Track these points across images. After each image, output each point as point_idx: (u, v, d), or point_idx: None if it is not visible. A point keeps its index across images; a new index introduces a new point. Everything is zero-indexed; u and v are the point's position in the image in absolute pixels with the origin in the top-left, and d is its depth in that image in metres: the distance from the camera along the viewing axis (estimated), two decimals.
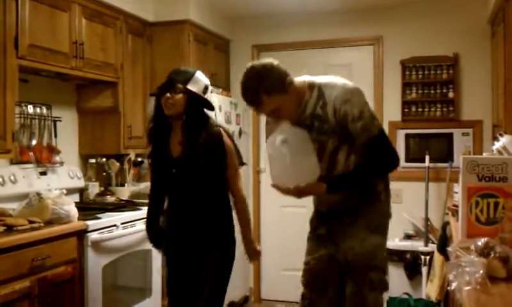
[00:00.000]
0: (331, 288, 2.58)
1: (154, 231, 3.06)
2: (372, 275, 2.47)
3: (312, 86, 2.45)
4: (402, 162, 4.70)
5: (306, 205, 5.44)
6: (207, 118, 2.88)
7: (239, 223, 2.95)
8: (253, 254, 3.00)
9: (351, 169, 2.46)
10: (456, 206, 3.08)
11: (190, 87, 2.80)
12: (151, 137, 2.97)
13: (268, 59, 2.44)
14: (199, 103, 2.84)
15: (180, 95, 2.78)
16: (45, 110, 3.81)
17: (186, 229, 2.87)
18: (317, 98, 2.42)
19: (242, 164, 2.98)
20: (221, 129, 2.89)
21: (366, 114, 2.38)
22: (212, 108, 2.90)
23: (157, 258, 3.96)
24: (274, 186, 2.46)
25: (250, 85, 2.38)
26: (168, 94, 2.77)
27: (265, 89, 2.34)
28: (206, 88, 2.88)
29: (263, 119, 5.33)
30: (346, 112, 2.35)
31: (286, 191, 2.44)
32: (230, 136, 2.93)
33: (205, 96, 2.88)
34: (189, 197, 2.85)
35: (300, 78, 2.49)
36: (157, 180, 3.01)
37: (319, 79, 2.47)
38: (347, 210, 2.53)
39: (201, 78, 2.87)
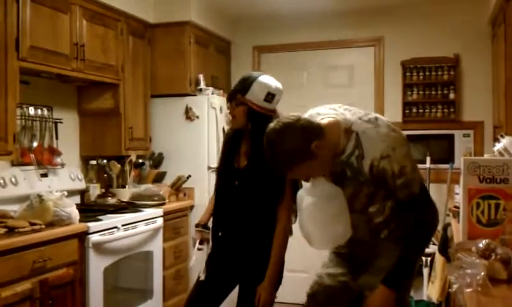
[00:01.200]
0: None
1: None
2: None
3: (348, 131, 2.13)
4: None
5: None
6: None
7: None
8: (263, 295, 2.60)
9: (386, 214, 2.22)
10: (457, 207, 3.08)
11: (249, 97, 2.58)
12: (223, 147, 2.84)
13: (289, 120, 2.09)
14: (258, 115, 2.60)
15: (240, 107, 2.61)
16: (46, 112, 3.81)
17: (236, 240, 2.70)
18: (353, 148, 2.11)
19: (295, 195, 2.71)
20: None
21: (407, 170, 2.08)
22: (270, 117, 2.53)
23: (158, 259, 3.96)
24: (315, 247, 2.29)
25: (271, 158, 2.11)
26: (228, 105, 2.65)
27: (286, 163, 2.09)
28: (269, 95, 2.60)
29: None
30: (384, 169, 2.07)
31: None
32: None
33: (269, 104, 2.61)
34: (245, 210, 2.65)
35: (332, 121, 2.15)
36: (221, 191, 2.80)
37: (356, 124, 2.13)
38: (372, 244, 2.31)
39: (263, 84, 2.60)
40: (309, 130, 2.06)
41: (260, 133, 2.35)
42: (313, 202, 2.16)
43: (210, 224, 2.90)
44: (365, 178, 2.11)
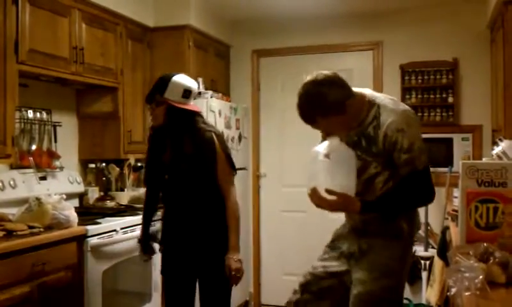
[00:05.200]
0: (326, 301, 2.50)
1: (146, 240, 3.09)
2: None
3: (371, 103, 2.32)
4: None
5: (306, 210, 5.44)
6: (194, 123, 2.80)
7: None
8: (232, 268, 2.73)
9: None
10: (456, 211, 3.07)
11: (167, 95, 2.74)
12: (149, 145, 3.00)
13: (330, 74, 2.27)
14: (178, 111, 2.77)
15: (160, 107, 2.77)
16: (45, 115, 3.81)
17: (181, 236, 2.86)
18: (372, 118, 2.30)
19: (233, 170, 2.85)
20: (213, 134, 2.81)
21: (415, 148, 2.25)
22: (192, 114, 2.81)
23: (156, 262, 3.95)
24: (310, 195, 2.32)
25: (306, 103, 2.25)
26: (148, 106, 2.80)
27: (322, 111, 2.24)
28: (186, 91, 2.78)
29: (262, 125, 5.36)
30: (396, 140, 2.24)
31: (319, 201, 2.29)
32: (223, 141, 2.86)
33: (187, 100, 2.78)
34: (181, 203, 2.83)
35: (360, 91, 2.36)
36: (151, 187, 3.04)
37: (380, 98, 2.34)
38: (366, 234, 2.43)
39: (179, 83, 2.77)
40: (347, 88, 2.28)
41: (180, 127, 2.74)
42: (327, 155, 2.29)
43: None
44: (378, 149, 2.28)
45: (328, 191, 2.24)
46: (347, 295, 2.41)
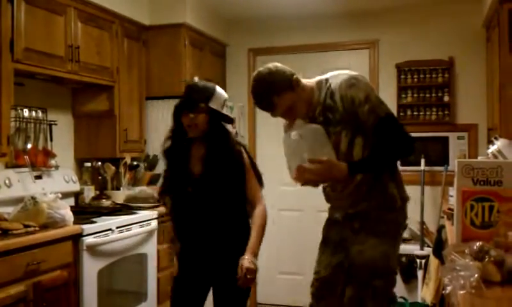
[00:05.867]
0: (333, 296, 2.56)
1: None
2: (376, 282, 2.41)
3: (319, 82, 2.49)
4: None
5: (303, 209, 5.45)
6: (228, 134, 2.79)
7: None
8: (244, 266, 2.64)
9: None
10: (451, 209, 3.08)
11: (212, 105, 2.69)
12: (168, 154, 2.85)
13: (271, 63, 2.51)
14: (220, 119, 2.75)
15: (203, 115, 2.67)
16: (40, 114, 3.80)
17: (201, 249, 2.75)
18: (326, 91, 2.44)
19: (261, 184, 2.85)
20: (242, 148, 2.79)
21: (372, 98, 2.38)
22: (231, 121, 2.82)
23: (152, 261, 3.95)
24: (295, 179, 2.39)
25: (260, 90, 2.46)
26: (192, 115, 2.66)
27: (274, 90, 2.41)
28: (225, 102, 2.81)
29: (258, 123, 5.36)
30: (352, 97, 2.36)
31: (307, 175, 2.33)
32: (249, 155, 2.83)
33: (224, 110, 2.79)
34: (206, 216, 2.71)
35: (308, 80, 2.54)
36: (176, 199, 2.84)
37: (326, 75, 2.52)
38: (358, 216, 2.49)
39: (221, 94, 2.77)
40: (289, 69, 2.50)
41: (217, 139, 2.70)
42: (299, 135, 2.40)
43: None
44: (340, 114, 2.39)
45: (311, 160, 2.31)
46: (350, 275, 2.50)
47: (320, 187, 2.62)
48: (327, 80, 2.47)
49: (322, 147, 2.36)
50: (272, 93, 2.41)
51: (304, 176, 2.35)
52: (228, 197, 2.71)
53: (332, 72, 2.52)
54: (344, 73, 2.44)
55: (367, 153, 2.42)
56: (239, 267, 2.63)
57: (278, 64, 2.49)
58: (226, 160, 2.69)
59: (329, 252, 2.61)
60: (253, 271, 2.63)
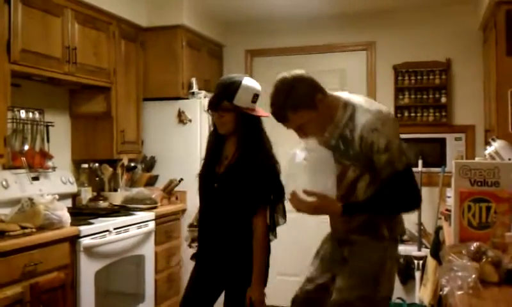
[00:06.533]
0: None
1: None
2: None
3: (346, 104, 2.28)
4: None
5: None
6: (261, 140, 2.63)
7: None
8: (254, 297, 2.59)
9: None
10: (449, 210, 3.08)
11: (237, 102, 2.55)
12: (206, 148, 2.79)
13: (299, 72, 2.29)
14: (250, 118, 2.60)
15: (228, 113, 2.57)
16: (37, 115, 3.80)
17: (214, 247, 2.69)
18: (348, 120, 2.25)
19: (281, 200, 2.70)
20: (275, 165, 2.63)
21: (393, 147, 2.17)
22: (258, 119, 2.64)
23: (149, 263, 3.95)
24: (289, 200, 2.28)
25: (277, 99, 2.25)
26: (215, 113, 2.60)
27: (291, 105, 2.21)
28: (255, 96, 2.62)
29: None
30: (372, 142, 2.17)
31: (299, 204, 2.24)
32: (279, 175, 2.66)
33: (255, 105, 2.62)
34: (222, 216, 2.64)
35: (336, 94, 2.34)
36: (203, 195, 2.76)
37: (356, 99, 2.30)
38: (348, 243, 2.39)
39: (248, 88, 2.59)
40: (316, 83, 2.27)
41: (249, 134, 2.53)
42: (305, 158, 2.25)
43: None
44: (355, 151, 2.22)
45: (307, 192, 2.20)
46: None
47: None
48: (354, 107, 2.25)
49: (324, 178, 2.24)
50: (288, 107, 2.22)
51: (296, 204, 2.25)
52: (240, 204, 2.59)
53: (362, 100, 2.30)
54: (372, 111, 2.22)
55: (369, 192, 2.27)
56: (247, 300, 2.58)
57: (305, 75, 2.27)
58: (255, 164, 2.56)
59: (318, 267, 2.52)
60: (261, 303, 2.60)
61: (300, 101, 2.22)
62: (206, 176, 2.72)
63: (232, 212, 2.61)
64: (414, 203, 2.29)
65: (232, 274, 2.66)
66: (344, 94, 2.34)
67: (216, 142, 2.72)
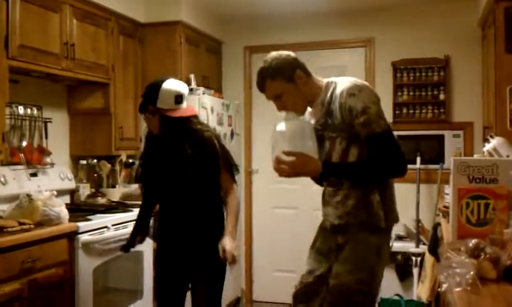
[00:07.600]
0: (313, 303, 2.52)
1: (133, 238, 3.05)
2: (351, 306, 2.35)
3: (328, 83, 2.44)
4: None
5: (298, 206, 5.45)
6: (190, 126, 2.75)
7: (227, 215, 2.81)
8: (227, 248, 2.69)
9: None
10: (447, 207, 3.08)
11: (160, 105, 2.68)
12: (145, 145, 2.94)
13: (288, 52, 2.48)
14: (173, 120, 2.71)
15: (155, 116, 2.72)
16: (35, 111, 3.79)
17: (177, 236, 2.83)
18: (330, 95, 2.39)
19: (234, 168, 2.84)
20: (212, 134, 2.79)
21: (370, 111, 2.27)
22: (186, 119, 2.75)
23: (149, 259, 3.95)
24: (274, 168, 2.35)
25: (260, 70, 2.46)
26: (144, 117, 2.77)
27: (270, 73, 2.40)
28: (177, 97, 2.71)
29: (254, 121, 5.35)
30: (350, 107, 2.28)
31: (281, 168, 2.31)
32: (221, 142, 2.83)
33: (181, 105, 2.72)
34: (181, 203, 2.79)
35: (322, 78, 2.49)
36: (147, 187, 2.98)
37: (337, 78, 2.45)
38: (342, 229, 2.42)
39: (169, 90, 2.69)
40: (299, 62, 2.45)
41: (176, 134, 2.69)
42: (285, 127, 2.38)
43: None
44: (338, 121, 2.34)
45: (286, 153, 2.29)
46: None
47: (318, 187, 2.62)
48: (335, 84, 2.40)
49: (303, 142, 2.34)
50: (268, 75, 2.41)
51: (279, 167, 2.33)
52: (201, 183, 2.73)
53: (342, 77, 2.45)
54: (349, 81, 2.35)
55: None
56: (220, 251, 2.65)
57: (292, 55, 2.46)
58: (194, 147, 2.68)
59: (315, 258, 2.56)
60: (232, 255, 2.66)
61: (279, 71, 2.39)
62: (151, 170, 2.87)
63: (190, 195, 2.74)
64: (397, 167, 2.34)
65: (196, 261, 2.77)
66: (330, 79, 2.47)
67: (154, 139, 2.83)
